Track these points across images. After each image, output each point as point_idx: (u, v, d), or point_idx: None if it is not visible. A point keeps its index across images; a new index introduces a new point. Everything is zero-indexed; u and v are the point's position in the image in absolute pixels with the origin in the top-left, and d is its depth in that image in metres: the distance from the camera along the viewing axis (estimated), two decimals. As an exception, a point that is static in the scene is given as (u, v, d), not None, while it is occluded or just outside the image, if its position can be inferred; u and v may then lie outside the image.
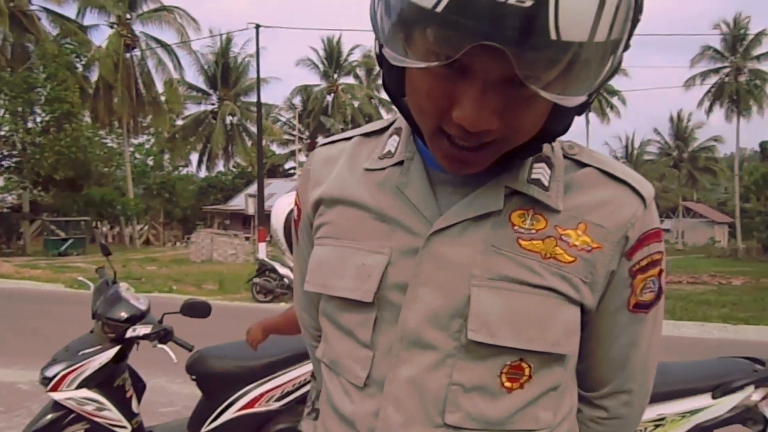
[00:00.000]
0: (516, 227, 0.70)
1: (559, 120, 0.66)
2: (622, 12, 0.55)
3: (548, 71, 0.54)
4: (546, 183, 0.72)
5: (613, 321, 0.76)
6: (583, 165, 0.75)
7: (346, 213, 0.77)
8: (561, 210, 0.71)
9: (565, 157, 0.76)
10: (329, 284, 0.76)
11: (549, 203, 0.71)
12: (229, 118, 36.25)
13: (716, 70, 34.34)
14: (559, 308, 0.69)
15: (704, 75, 34.53)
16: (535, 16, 0.50)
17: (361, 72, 38.69)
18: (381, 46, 0.63)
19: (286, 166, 42.02)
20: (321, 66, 37.62)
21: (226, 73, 35.85)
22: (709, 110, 34.83)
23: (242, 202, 26.73)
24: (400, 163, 0.76)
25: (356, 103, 36.65)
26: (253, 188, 27.54)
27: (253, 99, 32.67)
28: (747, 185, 31.50)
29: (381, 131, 0.84)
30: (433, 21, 0.53)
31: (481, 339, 0.68)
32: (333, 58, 37.43)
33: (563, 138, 0.73)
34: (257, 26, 17.93)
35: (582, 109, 0.65)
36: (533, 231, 0.70)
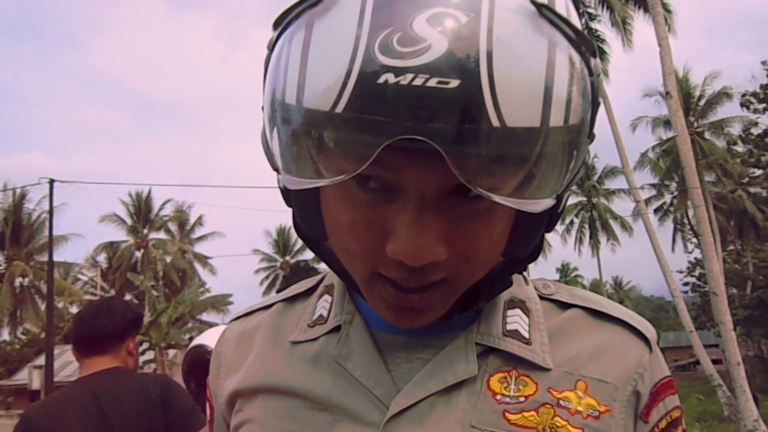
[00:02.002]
0: (498, 396, 0.54)
1: (524, 240, 0.54)
2: (577, 88, 0.44)
3: (497, 170, 0.42)
4: (526, 334, 0.57)
5: None
6: (565, 306, 0.61)
7: (271, 404, 0.59)
8: (551, 367, 0.56)
9: (541, 298, 0.62)
10: None
11: (535, 360, 0.56)
12: (19, 280, 32.56)
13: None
14: None
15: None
16: (467, 99, 0.39)
17: (173, 226, 37.63)
18: (286, 188, 0.53)
19: (87, 329, 38.00)
20: (129, 221, 36.02)
21: (17, 231, 32.69)
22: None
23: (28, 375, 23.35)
24: (337, 329, 0.60)
25: (168, 259, 35.17)
26: (42, 359, 24.33)
27: (50, 257, 30.00)
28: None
29: (308, 292, 0.67)
30: (336, 125, 0.41)
31: None
32: (142, 213, 36.11)
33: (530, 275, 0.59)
34: (51, 181, 16.95)
35: (551, 222, 0.54)
36: (522, 399, 0.54)
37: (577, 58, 0.45)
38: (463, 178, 0.41)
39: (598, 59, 0.47)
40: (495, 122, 0.40)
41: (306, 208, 0.55)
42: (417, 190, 0.45)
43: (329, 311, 0.62)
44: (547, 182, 0.45)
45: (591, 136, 0.49)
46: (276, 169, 0.49)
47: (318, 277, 0.69)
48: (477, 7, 0.41)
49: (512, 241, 0.53)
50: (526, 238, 0.55)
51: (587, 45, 0.46)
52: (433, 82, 0.39)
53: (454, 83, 0.39)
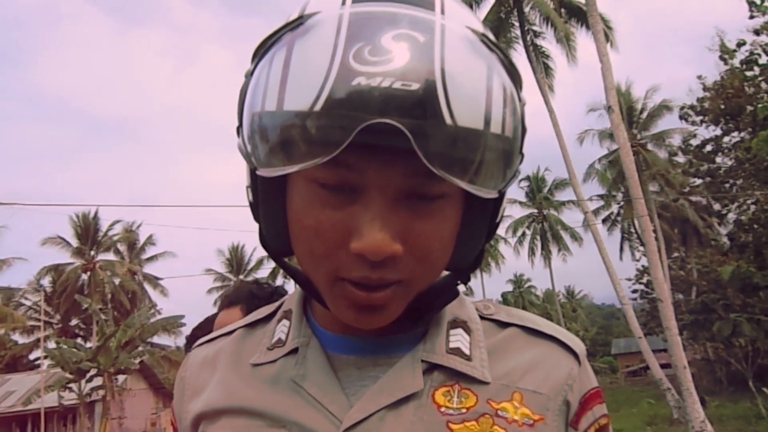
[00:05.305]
0: (442, 408, 0.59)
1: (467, 248, 0.61)
2: (509, 108, 0.54)
3: (452, 160, 0.50)
4: (467, 351, 0.63)
5: None
6: (504, 325, 0.67)
7: (233, 424, 0.62)
8: (490, 381, 0.61)
9: (482, 318, 0.67)
10: None
11: (475, 375, 0.61)
12: (-44, 307, 30.95)
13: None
14: None
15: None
16: (426, 99, 0.48)
17: (122, 247, 36.59)
18: (255, 202, 0.59)
19: (31, 356, 36.47)
20: (74, 242, 34.80)
21: (-46, 255, 31.17)
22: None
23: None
24: (294, 351, 0.64)
25: (117, 280, 34.12)
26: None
27: (-10, 283, 28.63)
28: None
29: (267, 318, 0.72)
30: (315, 119, 0.49)
31: None
32: (89, 234, 34.99)
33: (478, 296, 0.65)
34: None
35: (491, 232, 0.61)
36: (463, 410, 0.59)
37: (508, 81, 0.55)
38: (426, 161, 0.48)
39: (523, 93, 0.57)
40: (448, 120, 0.48)
41: (273, 220, 0.60)
42: (378, 190, 0.52)
43: (287, 335, 0.66)
44: (490, 176, 0.53)
45: (521, 154, 0.57)
46: (254, 168, 0.55)
47: (277, 304, 0.73)
48: (431, 30, 0.51)
49: (457, 249, 0.59)
50: (469, 247, 0.61)
51: (517, 75, 0.57)
52: (398, 85, 0.47)
53: (415, 86, 0.48)
